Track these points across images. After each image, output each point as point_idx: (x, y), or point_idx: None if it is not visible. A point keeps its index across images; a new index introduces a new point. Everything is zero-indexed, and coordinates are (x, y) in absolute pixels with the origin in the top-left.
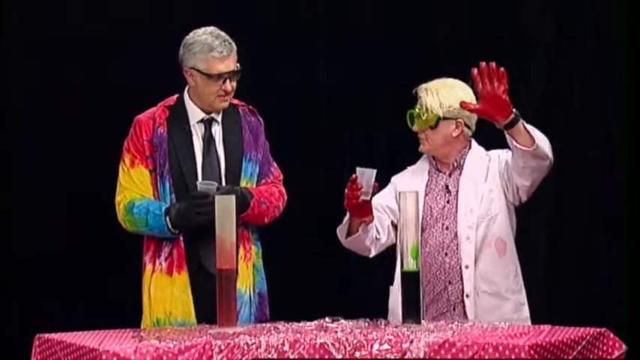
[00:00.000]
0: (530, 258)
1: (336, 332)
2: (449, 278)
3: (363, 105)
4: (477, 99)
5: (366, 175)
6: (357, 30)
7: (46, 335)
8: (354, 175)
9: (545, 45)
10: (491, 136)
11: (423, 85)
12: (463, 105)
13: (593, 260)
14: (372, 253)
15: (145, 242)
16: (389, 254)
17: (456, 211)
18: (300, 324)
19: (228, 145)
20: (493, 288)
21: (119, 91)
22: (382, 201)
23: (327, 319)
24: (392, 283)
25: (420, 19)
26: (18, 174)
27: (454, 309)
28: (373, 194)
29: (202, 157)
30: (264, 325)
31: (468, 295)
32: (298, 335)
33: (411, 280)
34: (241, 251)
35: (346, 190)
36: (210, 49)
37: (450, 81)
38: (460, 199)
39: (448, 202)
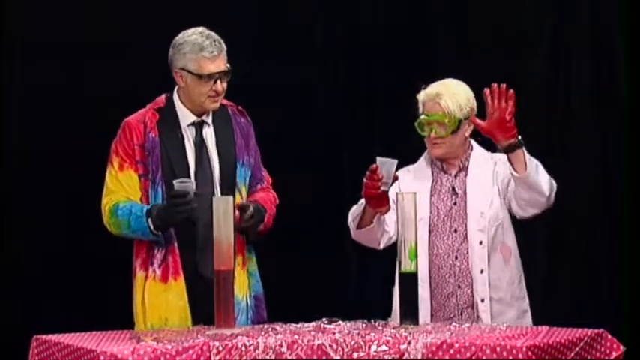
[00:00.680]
0: (529, 259)
1: (334, 333)
2: (458, 282)
3: (362, 105)
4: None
5: (386, 166)
6: (357, 30)
7: (44, 336)
8: (374, 166)
9: (544, 45)
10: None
11: (430, 91)
12: (472, 120)
13: (593, 261)
14: (381, 246)
15: (134, 248)
16: (388, 255)
17: (465, 214)
18: (298, 325)
19: (222, 149)
20: (499, 294)
21: (119, 92)
22: (390, 195)
23: (324, 320)
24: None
25: (419, 19)
26: (18, 174)
27: (461, 313)
28: (392, 184)
29: (195, 162)
30: (261, 326)
31: (482, 300)
32: (296, 336)
33: (409, 281)
34: (239, 258)
35: (365, 180)
36: (201, 49)
37: (451, 80)
38: (469, 202)
39: (455, 203)
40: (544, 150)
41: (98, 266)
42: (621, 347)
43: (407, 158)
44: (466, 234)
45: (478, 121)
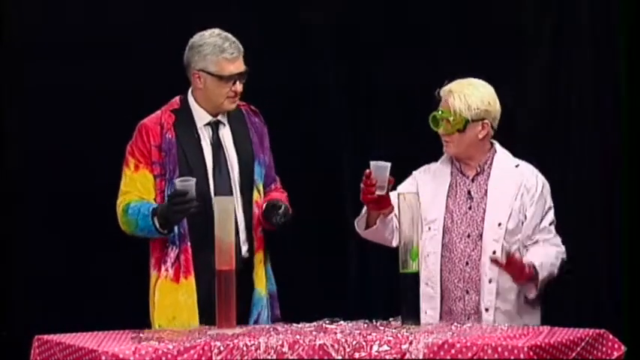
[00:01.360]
0: None
1: (336, 333)
2: (466, 288)
3: (362, 105)
4: (497, 96)
5: (380, 169)
6: (356, 30)
7: (45, 336)
8: (367, 171)
9: (544, 45)
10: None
11: (447, 87)
12: (491, 259)
13: (593, 261)
14: (394, 244)
15: (150, 247)
16: (390, 255)
17: (481, 220)
18: (300, 325)
19: (240, 148)
20: (507, 306)
21: (119, 92)
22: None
23: (326, 320)
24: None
25: (419, 19)
26: (18, 174)
27: (468, 319)
28: (389, 187)
29: (212, 161)
30: (263, 326)
31: (487, 309)
32: (297, 336)
33: (410, 281)
34: (261, 255)
35: (361, 185)
36: (222, 50)
37: (474, 81)
38: (488, 210)
39: (470, 208)
40: (544, 150)
41: (99, 267)
42: (622, 347)
43: (407, 158)
44: (480, 240)
45: (499, 260)
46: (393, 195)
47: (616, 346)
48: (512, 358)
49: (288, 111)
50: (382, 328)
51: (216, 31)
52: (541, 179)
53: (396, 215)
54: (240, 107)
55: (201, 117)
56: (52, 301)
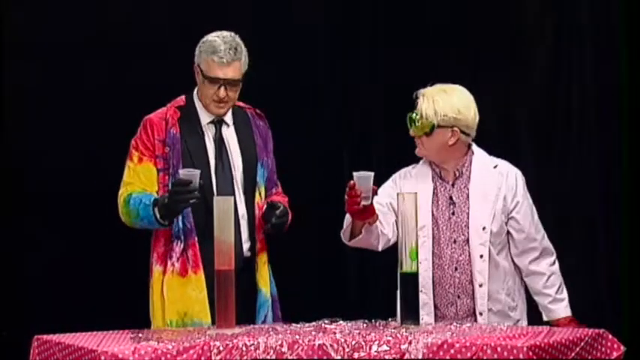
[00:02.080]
0: None
1: (335, 333)
2: (458, 292)
3: (362, 106)
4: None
5: (363, 180)
6: (356, 30)
7: (45, 336)
8: (351, 182)
9: (545, 46)
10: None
11: (422, 90)
12: None
13: (593, 261)
14: (380, 248)
15: (152, 242)
16: (390, 255)
17: (466, 225)
18: (299, 325)
19: (244, 148)
20: (498, 306)
21: (119, 92)
22: (384, 199)
23: (325, 320)
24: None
25: (419, 19)
26: (17, 174)
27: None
28: (373, 196)
29: (215, 159)
30: (262, 326)
31: (481, 314)
32: (297, 336)
33: (409, 282)
34: (264, 257)
35: (346, 197)
36: (213, 51)
37: (449, 87)
38: (472, 214)
39: (453, 213)
40: (544, 150)
41: (98, 267)
42: (622, 347)
43: (406, 159)
44: (466, 245)
45: None
46: (376, 203)
47: (615, 346)
48: (511, 358)
49: (288, 111)
50: (381, 328)
51: (226, 33)
52: (519, 176)
53: (382, 222)
54: (246, 110)
55: (205, 114)
56: (52, 301)
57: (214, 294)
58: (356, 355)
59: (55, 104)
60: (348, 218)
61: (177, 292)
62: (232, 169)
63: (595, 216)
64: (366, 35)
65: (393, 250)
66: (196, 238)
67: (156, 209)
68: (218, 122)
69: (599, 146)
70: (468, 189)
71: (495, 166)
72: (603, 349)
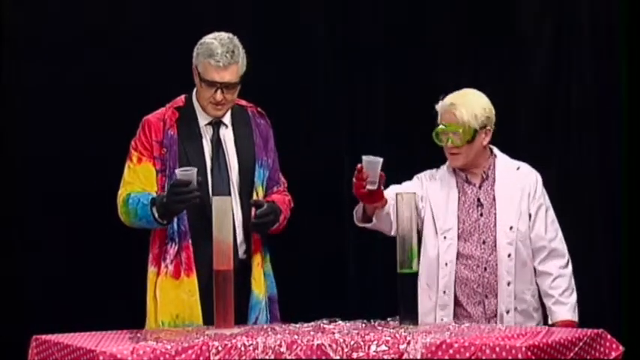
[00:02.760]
0: None
1: (334, 333)
2: (485, 292)
3: (361, 106)
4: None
5: (372, 164)
6: (355, 31)
7: (43, 336)
8: (359, 165)
9: (544, 47)
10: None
11: (447, 101)
12: None
13: (593, 261)
14: (392, 233)
15: (149, 244)
16: (389, 255)
17: (494, 225)
18: (298, 325)
19: (241, 149)
20: (523, 306)
21: (119, 92)
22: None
23: (324, 320)
24: None
25: (418, 20)
26: (17, 174)
27: (489, 322)
28: (381, 183)
29: (211, 161)
30: (261, 326)
31: (508, 312)
32: (295, 336)
33: (408, 281)
34: (258, 258)
35: (353, 180)
36: (210, 54)
37: (465, 91)
38: (499, 214)
39: (482, 214)
40: (544, 150)
41: (96, 266)
42: (621, 347)
43: (406, 159)
44: (495, 246)
45: None
46: (393, 191)
47: (614, 346)
48: (510, 358)
49: (287, 111)
50: (380, 328)
51: (224, 35)
52: (539, 177)
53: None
54: (247, 109)
55: (203, 116)
56: (50, 301)
57: (207, 297)
58: (355, 355)
59: (56, 104)
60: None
61: (170, 294)
62: (229, 170)
63: (595, 216)
64: (366, 35)
65: (392, 250)
66: (190, 241)
67: (154, 209)
68: (216, 124)
69: (599, 146)
70: (494, 190)
71: (518, 168)
72: (602, 349)
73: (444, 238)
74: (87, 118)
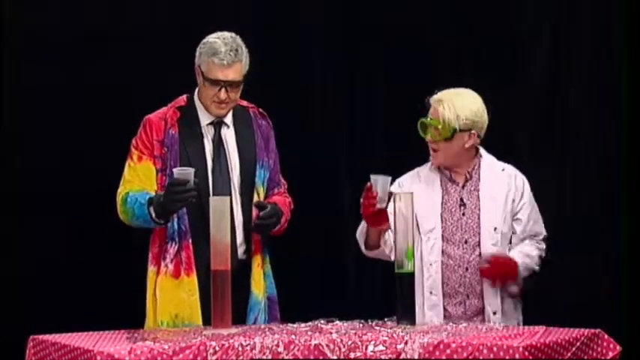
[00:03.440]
0: None
1: (331, 333)
2: (467, 292)
3: (359, 106)
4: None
5: (380, 183)
6: (354, 32)
7: (40, 336)
8: (368, 184)
9: (543, 48)
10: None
11: (436, 97)
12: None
13: (592, 261)
14: (392, 258)
15: (149, 243)
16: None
17: (477, 226)
18: (295, 325)
19: (242, 150)
20: (505, 306)
21: (120, 92)
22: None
23: (321, 320)
24: None
25: (419, 19)
26: (17, 174)
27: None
28: (389, 200)
29: (212, 161)
30: (258, 326)
31: (495, 312)
32: (293, 336)
33: (405, 282)
34: (258, 258)
35: (362, 199)
36: (214, 53)
37: (463, 91)
38: (483, 215)
39: (464, 214)
40: (543, 150)
41: (95, 266)
42: (618, 347)
43: (405, 160)
44: (477, 246)
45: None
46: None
47: (611, 346)
48: (507, 358)
49: (286, 111)
50: (378, 328)
51: (226, 34)
52: (525, 180)
53: (391, 229)
54: (249, 109)
55: (205, 116)
56: (48, 301)
57: (206, 296)
58: (352, 355)
59: (55, 105)
60: (362, 226)
61: (170, 293)
62: (230, 171)
63: (594, 216)
64: (365, 35)
65: None
66: (190, 240)
67: (151, 208)
68: (217, 123)
69: (598, 147)
70: (478, 191)
71: (503, 170)
72: (599, 349)
73: (428, 238)
74: (87, 118)
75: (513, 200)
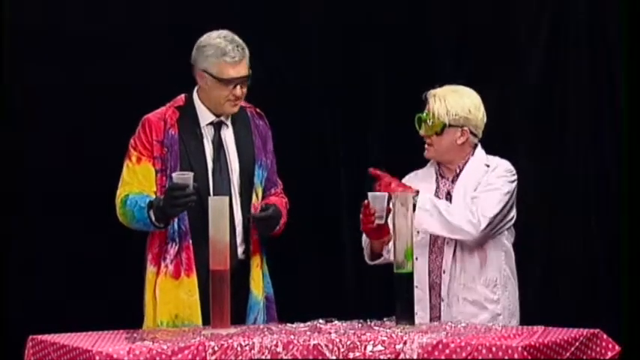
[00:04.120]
0: (527, 258)
1: (330, 333)
2: (430, 280)
3: (359, 106)
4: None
5: (378, 200)
6: (353, 31)
7: (39, 336)
8: (365, 201)
9: (541, 45)
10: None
11: (432, 91)
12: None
13: (591, 261)
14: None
15: (147, 243)
16: None
17: None
18: (294, 325)
19: (242, 150)
20: (474, 296)
21: (120, 92)
22: None
23: (320, 320)
24: None
25: (417, 19)
26: (17, 174)
27: (431, 310)
28: (388, 216)
29: (212, 161)
30: (257, 326)
31: (443, 300)
32: (292, 336)
33: (404, 281)
34: (257, 258)
35: (360, 216)
36: (223, 53)
37: (460, 88)
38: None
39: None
40: (541, 150)
41: (93, 266)
42: (617, 347)
43: (405, 160)
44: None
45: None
46: None
47: (610, 345)
48: (506, 358)
49: (285, 111)
50: (376, 328)
51: (224, 32)
52: (500, 165)
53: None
54: (246, 109)
55: (204, 116)
56: (49, 301)
57: (207, 297)
58: (351, 355)
59: (55, 104)
60: (365, 238)
61: (170, 294)
62: (230, 171)
63: (592, 216)
64: (365, 35)
65: None
66: (191, 241)
67: (151, 212)
68: (217, 124)
69: (596, 146)
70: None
71: (487, 165)
72: (598, 349)
73: (417, 232)
74: (87, 117)
75: (479, 183)
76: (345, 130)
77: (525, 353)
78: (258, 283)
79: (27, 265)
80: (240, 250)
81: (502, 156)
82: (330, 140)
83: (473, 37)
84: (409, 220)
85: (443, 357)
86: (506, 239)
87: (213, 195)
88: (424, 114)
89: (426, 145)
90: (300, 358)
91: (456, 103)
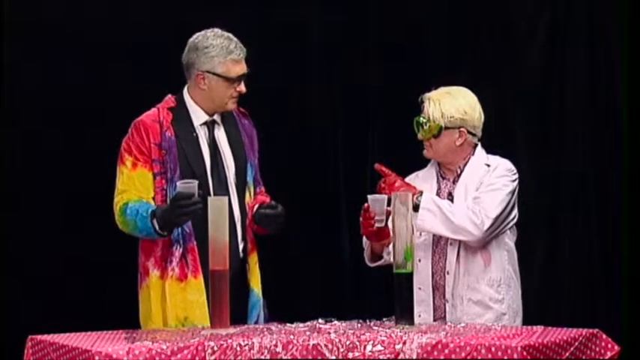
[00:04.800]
0: (526, 258)
1: (329, 333)
2: (434, 281)
3: (358, 106)
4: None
5: (378, 203)
6: (351, 31)
7: (39, 336)
8: (365, 205)
9: (540, 42)
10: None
11: (427, 94)
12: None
13: (590, 260)
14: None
15: (143, 247)
16: None
17: None
18: (293, 325)
19: (235, 149)
20: (478, 296)
21: (120, 92)
22: None
23: (320, 320)
24: None
25: (415, 18)
26: (16, 173)
27: (435, 311)
28: (387, 219)
29: (210, 161)
30: (256, 326)
31: (447, 301)
32: (291, 336)
33: (404, 282)
34: (255, 257)
35: (360, 219)
36: (229, 52)
37: (454, 89)
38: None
39: None
40: (541, 148)
41: (93, 266)
42: (616, 347)
43: (405, 160)
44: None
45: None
46: None
47: (609, 345)
48: (505, 358)
49: (283, 111)
50: (376, 328)
51: (218, 31)
52: (501, 165)
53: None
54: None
55: (198, 116)
56: (48, 301)
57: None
58: (350, 355)
59: (55, 105)
60: (366, 241)
61: (178, 297)
62: (226, 170)
63: (592, 216)
64: (364, 35)
65: None
66: (195, 242)
67: (154, 221)
68: (210, 123)
69: (596, 144)
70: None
71: (487, 164)
72: (597, 348)
73: (420, 234)
74: (87, 117)
75: (481, 183)
76: (346, 131)
77: (525, 353)
78: (258, 281)
79: (26, 265)
80: (239, 248)
81: (502, 156)
82: (331, 140)
83: (471, 36)
84: (409, 221)
85: (442, 357)
86: (509, 238)
87: (213, 195)
88: (421, 118)
89: (425, 148)
90: (299, 358)
91: (450, 105)
